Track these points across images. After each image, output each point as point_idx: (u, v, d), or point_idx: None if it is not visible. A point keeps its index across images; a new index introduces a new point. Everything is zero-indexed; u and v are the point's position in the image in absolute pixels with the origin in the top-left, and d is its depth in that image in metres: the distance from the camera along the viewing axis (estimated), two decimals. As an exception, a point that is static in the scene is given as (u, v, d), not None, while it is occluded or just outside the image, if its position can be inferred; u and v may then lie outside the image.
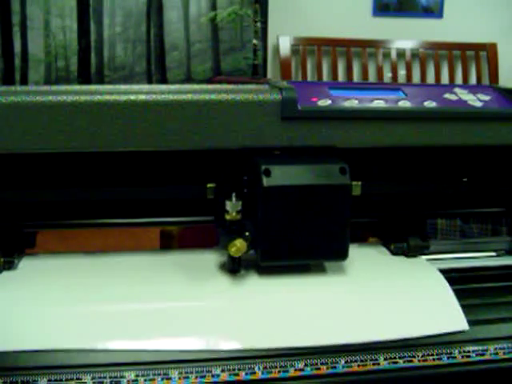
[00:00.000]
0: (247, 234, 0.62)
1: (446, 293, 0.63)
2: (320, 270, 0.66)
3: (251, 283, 0.63)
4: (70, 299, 0.60)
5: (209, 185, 0.66)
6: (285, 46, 2.83)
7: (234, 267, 0.64)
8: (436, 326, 0.60)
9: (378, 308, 0.62)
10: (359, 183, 0.65)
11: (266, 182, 0.60)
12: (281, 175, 0.61)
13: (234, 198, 0.62)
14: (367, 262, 0.70)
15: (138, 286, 0.62)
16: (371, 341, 0.58)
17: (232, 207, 0.62)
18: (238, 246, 0.61)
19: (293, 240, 0.62)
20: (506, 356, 0.58)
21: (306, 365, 0.55)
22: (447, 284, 0.65)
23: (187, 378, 0.53)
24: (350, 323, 0.60)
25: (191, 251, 0.72)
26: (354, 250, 0.74)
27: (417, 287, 0.65)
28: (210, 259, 0.68)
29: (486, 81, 2.94)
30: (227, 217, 0.62)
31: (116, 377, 0.53)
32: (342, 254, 0.63)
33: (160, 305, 0.60)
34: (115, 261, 0.69)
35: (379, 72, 2.90)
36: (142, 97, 0.61)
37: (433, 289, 0.65)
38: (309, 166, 0.62)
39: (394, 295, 0.64)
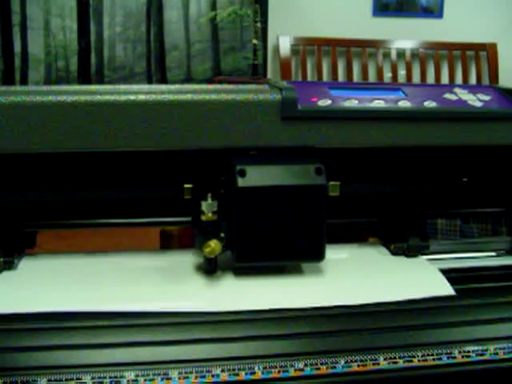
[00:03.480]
0: (222, 234, 0.61)
1: (435, 272, 0.67)
2: (319, 269, 0.66)
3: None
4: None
5: (186, 185, 0.66)
6: (285, 46, 2.83)
7: (210, 268, 0.64)
8: (425, 291, 0.64)
9: (372, 282, 0.66)
10: (338, 183, 0.65)
11: (240, 182, 0.60)
12: (256, 176, 0.60)
13: (209, 199, 0.62)
14: (367, 262, 0.70)
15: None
16: (366, 303, 0.61)
17: (207, 207, 0.61)
18: (213, 246, 0.60)
19: (268, 241, 0.61)
20: (505, 356, 0.58)
21: (305, 365, 0.55)
22: (439, 271, 0.67)
23: (187, 378, 0.53)
24: (345, 290, 0.64)
25: (173, 252, 0.72)
26: (354, 250, 0.74)
27: (409, 271, 0.69)
28: (189, 260, 0.68)
29: (485, 81, 2.94)
30: (203, 217, 0.62)
31: (116, 377, 0.53)
32: (318, 255, 0.63)
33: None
34: (115, 261, 0.69)
35: (379, 72, 2.90)
36: (142, 97, 0.61)
37: (423, 268, 0.69)
38: (284, 166, 0.61)
39: (389, 279, 0.67)
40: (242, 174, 0.60)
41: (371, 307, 0.61)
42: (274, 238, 0.61)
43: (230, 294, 0.62)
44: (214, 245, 0.60)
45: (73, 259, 0.69)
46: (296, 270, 0.66)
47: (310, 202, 0.61)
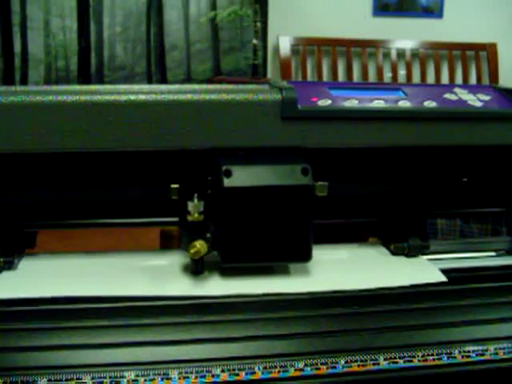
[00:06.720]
0: (208, 235, 0.61)
1: (432, 268, 0.69)
2: (318, 269, 0.66)
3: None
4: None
5: (172, 185, 0.65)
6: (285, 46, 2.84)
7: (196, 268, 0.64)
8: (419, 279, 0.66)
9: (370, 271, 0.68)
10: (325, 184, 0.64)
11: (226, 182, 0.59)
12: (242, 176, 0.60)
13: (195, 199, 0.61)
14: (366, 262, 0.70)
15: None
16: (361, 288, 0.63)
17: (194, 208, 0.61)
18: (198, 247, 0.60)
19: (255, 241, 0.61)
20: (505, 356, 0.58)
21: (305, 365, 0.55)
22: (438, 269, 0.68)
23: (187, 378, 0.53)
24: (343, 277, 0.66)
25: (161, 252, 0.72)
26: (354, 250, 0.74)
27: (408, 268, 0.70)
28: (178, 261, 0.68)
29: (486, 81, 2.95)
30: (189, 218, 0.61)
31: (116, 377, 0.52)
32: (305, 256, 0.63)
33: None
34: (115, 261, 0.69)
35: (379, 72, 2.90)
36: (142, 97, 0.61)
37: (420, 265, 0.70)
38: (271, 166, 0.61)
39: (389, 276, 0.68)
40: (228, 174, 0.60)
41: (371, 307, 0.61)
42: (260, 239, 0.61)
43: (217, 289, 0.63)
44: (199, 246, 0.60)
45: (73, 259, 0.69)
46: (284, 271, 0.66)
47: (296, 202, 0.61)
